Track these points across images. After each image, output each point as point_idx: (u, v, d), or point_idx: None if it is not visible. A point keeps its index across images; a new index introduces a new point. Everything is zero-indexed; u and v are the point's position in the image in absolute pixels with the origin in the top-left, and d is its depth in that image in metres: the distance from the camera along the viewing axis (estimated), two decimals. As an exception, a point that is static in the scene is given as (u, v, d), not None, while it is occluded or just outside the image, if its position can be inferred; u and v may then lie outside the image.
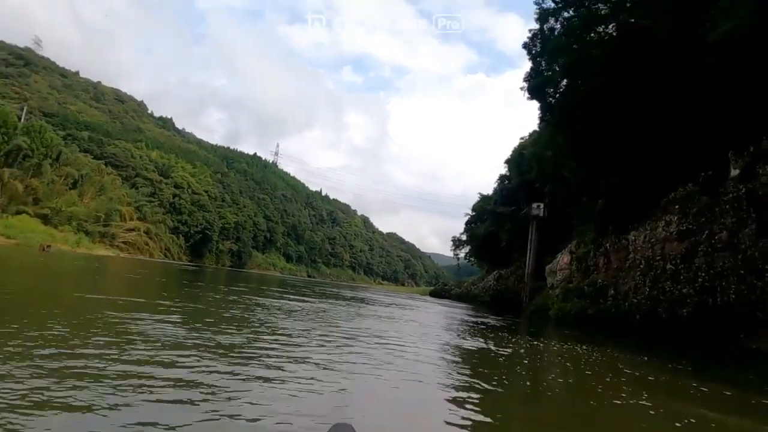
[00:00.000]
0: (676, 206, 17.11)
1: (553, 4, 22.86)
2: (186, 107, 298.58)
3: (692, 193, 16.55)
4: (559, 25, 23.09)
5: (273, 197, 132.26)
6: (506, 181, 50.97)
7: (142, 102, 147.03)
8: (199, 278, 29.63)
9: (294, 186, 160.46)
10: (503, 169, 52.70)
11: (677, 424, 5.11)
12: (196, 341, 6.49)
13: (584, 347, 12.58)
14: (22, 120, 62.56)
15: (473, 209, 57.94)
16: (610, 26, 21.50)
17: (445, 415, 4.58)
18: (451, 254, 65.27)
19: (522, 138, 48.67)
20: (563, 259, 26.75)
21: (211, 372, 4.86)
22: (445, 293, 64.06)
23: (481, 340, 12.32)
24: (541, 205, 37.04)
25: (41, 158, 55.82)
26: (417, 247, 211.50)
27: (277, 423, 3.62)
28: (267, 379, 4.91)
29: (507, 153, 52.70)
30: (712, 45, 15.50)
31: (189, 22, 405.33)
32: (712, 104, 16.45)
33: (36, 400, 3.34)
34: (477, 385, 6.23)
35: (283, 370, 5.47)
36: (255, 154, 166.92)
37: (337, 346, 8.00)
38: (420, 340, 10.50)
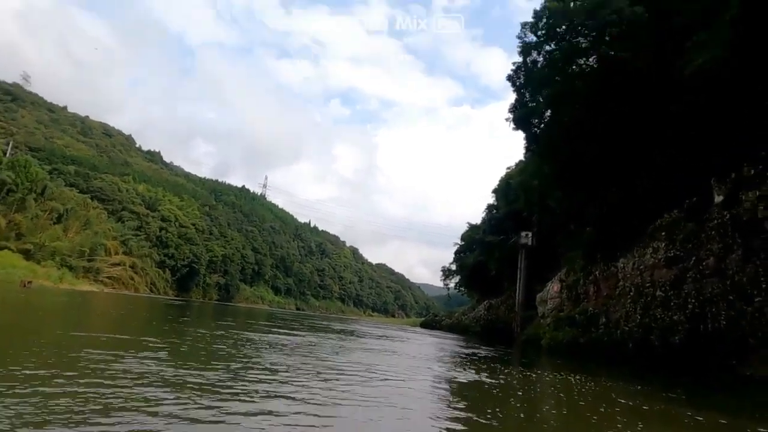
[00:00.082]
0: (663, 233, 17.29)
1: (535, 38, 23.53)
2: (174, 141, 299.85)
3: (678, 219, 16.76)
4: (541, 58, 23.72)
5: (261, 229, 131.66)
6: (494, 211, 51.35)
7: (130, 136, 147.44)
8: (186, 313, 29.05)
9: (282, 218, 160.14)
10: (491, 199, 53.28)
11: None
12: (183, 378, 6.29)
13: (577, 377, 12.42)
14: (7, 154, 62.25)
15: (462, 238, 58.06)
16: (591, 59, 22.14)
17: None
18: (441, 284, 65.04)
19: (508, 168, 49.41)
20: (553, 287, 26.74)
21: (197, 409, 4.70)
22: (436, 324, 63.50)
23: (474, 371, 12.12)
24: (530, 234, 37.22)
25: (25, 193, 55.26)
26: (407, 277, 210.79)
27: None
28: (255, 416, 4.75)
29: (494, 183, 53.28)
30: (689, 77, 16.01)
31: (178, 57, 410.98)
32: (692, 133, 16.88)
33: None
34: (471, 419, 6.08)
35: (271, 407, 5.31)
36: (243, 186, 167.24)
37: (327, 381, 7.80)
38: (412, 373, 10.29)
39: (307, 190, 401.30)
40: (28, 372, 5.40)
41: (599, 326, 20.37)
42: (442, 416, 6.18)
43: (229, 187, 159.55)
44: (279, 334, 17.63)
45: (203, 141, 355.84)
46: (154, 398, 4.93)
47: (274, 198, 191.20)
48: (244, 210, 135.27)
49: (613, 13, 19.54)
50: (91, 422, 3.88)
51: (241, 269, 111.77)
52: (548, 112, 24.63)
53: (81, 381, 5.36)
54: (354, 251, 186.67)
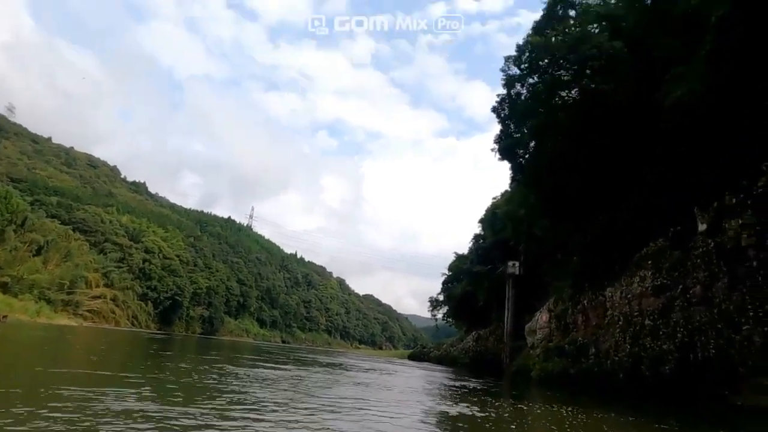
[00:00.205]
0: (650, 261, 17.40)
1: (518, 71, 24.12)
2: (161, 173, 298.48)
3: (664, 248, 16.90)
4: (525, 90, 24.27)
5: (247, 261, 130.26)
6: (481, 240, 51.49)
7: (115, 167, 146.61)
8: (168, 347, 28.31)
9: (269, 249, 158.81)
10: (477, 229, 53.48)
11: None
12: (167, 415, 6.05)
13: (569, 409, 12.24)
14: (-12, 186, 61.21)
15: (449, 269, 57.96)
16: (573, 91, 22.71)
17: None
18: (428, 315, 64.58)
19: (494, 198, 49.90)
20: (542, 317, 26.65)
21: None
22: (424, 356, 62.82)
23: (464, 404, 11.90)
24: (517, 264, 37.27)
25: (5, 224, 54.26)
26: (394, 308, 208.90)
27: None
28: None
29: (480, 213, 53.68)
30: (668, 108, 16.47)
31: (167, 90, 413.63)
32: (673, 164, 17.24)
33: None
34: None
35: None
36: (229, 217, 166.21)
37: (315, 416, 7.58)
38: (401, 407, 10.06)
39: (295, 221, 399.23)
40: (2, 410, 5.15)
41: (589, 356, 20.24)
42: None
43: (215, 218, 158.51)
44: (265, 368, 17.22)
45: (190, 172, 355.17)
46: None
47: (261, 229, 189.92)
48: (229, 241, 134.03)
49: (593, 48, 20.16)
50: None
51: (226, 301, 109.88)
52: (532, 143, 25.05)
53: (61, 419, 5.14)
54: (341, 282, 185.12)
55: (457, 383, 20.76)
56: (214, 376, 12.42)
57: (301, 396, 9.95)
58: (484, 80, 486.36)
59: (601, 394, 17.63)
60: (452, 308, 57.24)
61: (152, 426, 5.39)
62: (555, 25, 23.66)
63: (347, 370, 21.76)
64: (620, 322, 18.58)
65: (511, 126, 25.82)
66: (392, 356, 79.58)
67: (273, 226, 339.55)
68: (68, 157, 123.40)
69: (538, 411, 12.41)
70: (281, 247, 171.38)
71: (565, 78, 22.65)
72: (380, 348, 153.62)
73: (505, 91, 25.12)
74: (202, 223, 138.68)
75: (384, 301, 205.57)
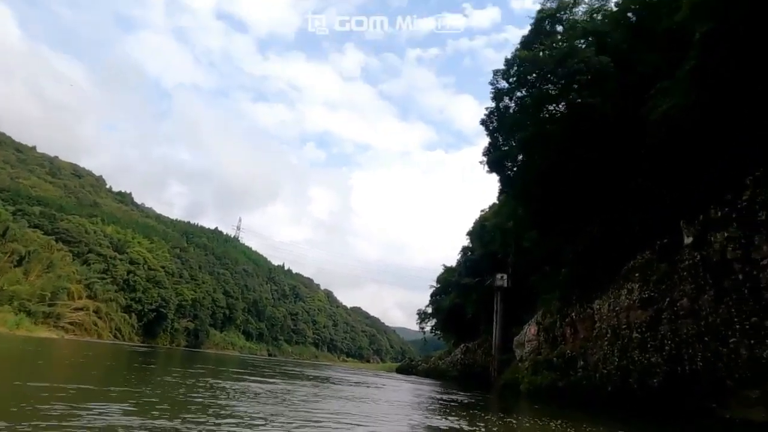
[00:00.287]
0: (637, 274, 17.52)
1: (507, 85, 24.38)
2: (147, 182, 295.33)
3: (651, 260, 17.03)
4: (513, 104, 24.52)
5: (234, 272, 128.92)
6: (469, 253, 51.57)
7: (100, 177, 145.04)
8: (152, 360, 27.78)
9: (256, 260, 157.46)
10: (466, 241, 53.57)
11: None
12: (152, 430, 5.89)
13: (558, 422, 12.16)
14: (-31, 195, 60.09)
15: (438, 281, 57.90)
16: (561, 105, 22.99)
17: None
18: (416, 328, 64.32)
19: (483, 210, 50.10)
20: (530, 330, 26.65)
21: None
22: (412, 369, 62.42)
23: (453, 418, 11.77)
24: (505, 276, 37.35)
25: (-15, 234, 53.16)
26: (382, 321, 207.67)
27: None
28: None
29: (468, 225, 53.84)
30: (653, 123, 16.74)
31: (154, 100, 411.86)
32: (659, 177, 17.48)
33: None
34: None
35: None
36: (216, 228, 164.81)
37: (303, 430, 7.43)
38: (389, 421, 9.93)
39: (282, 232, 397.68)
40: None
41: (578, 369, 20.23)
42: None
43: (202, 228, 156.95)
44: (251, 381, 16.93)
45: (177, 182, 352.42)
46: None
47: (248, 240, 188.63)
48: (216, 252, 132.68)
49: (580, 62, 20.45)
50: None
51: (212, 314, 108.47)
52: (521, 156, 25.24)
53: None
54: (328, 294, 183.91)
55: (445, 397, 20.59)
56: (200, 390, 12.17)
57: (288, 410, 9.76)
58: (472, 94, 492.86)
59: (590, 407, 17.59)
60: (440, 321, 57.08)
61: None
62: (543, 39, 24.03)
63: (335, 384, 21.50)
64: (608, 335, 18.63)
65: (500, 139, 26.02)
66: (380, 369, 78.97)
67: (260, 238, 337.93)
68: (53, 167, 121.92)
69: (527, 424, 12.32)
70: (269, 259, 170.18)
71: (553, 92, 22.94)
72: (368, 361, 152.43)
73: (493, 104, 25.37)
74: (188, 234, 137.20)
75: (372, 313, 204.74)
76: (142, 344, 71.68)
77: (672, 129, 16.14)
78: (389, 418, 10.78)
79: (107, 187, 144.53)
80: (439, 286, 57.52)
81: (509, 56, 24.31)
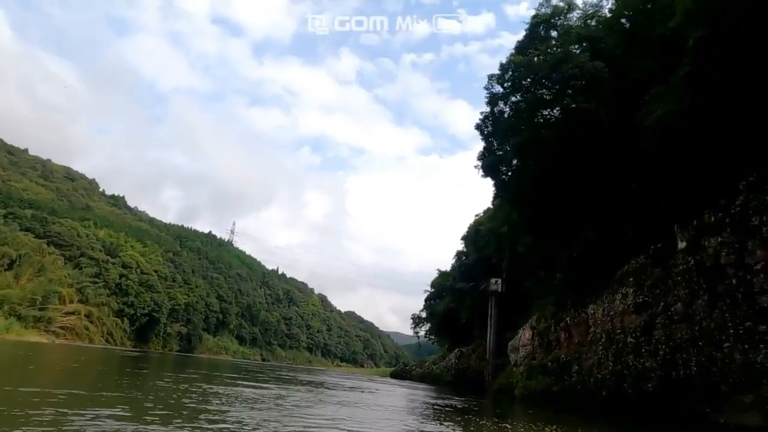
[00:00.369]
0: (631, 278, 17.53)
1: (501, 89, 24.42)
2: (141, 185, 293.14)
3: (645, 265, 17.05)
4: (508, 108, 24.55)
5: (227, 276, 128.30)
6: (464, 257, 51.57)
7: (93, 180, 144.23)
8: (144, 365, 27.53)
9: (250, 265, 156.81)
10: (460, 246, 53.56)
11: None
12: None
13: (553, 427, 12.14)
14: (-40, 198, 59.53)
15: (432, 285, 57.87)
16: (555, 110, 23.06)
17: None
18: (411, 332, 64.18)
19: (477, 215, 50.09)
20: (525, 334, 26.62)
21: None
22: (406, 374, 62.29)
23: (448, 423, 11.73)
24: (499, 281, 37.36)
25: (-25, 238, 52.65)
26: (376, 325, 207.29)
27: None
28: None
29: (463, 230, 53.88)
30: (647, 129, 16.82)
31: (149, 103, 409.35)
32: (653, 182, 17.56)
33: None
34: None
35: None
36: (210, 232, 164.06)
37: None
38: (384, 427, 9.86)
39: (277, 237, 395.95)
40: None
41: (572, 374, 20.21)
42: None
43: (195, 232, 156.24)
44: (245, 386, 16.80)
45: (171, 186, 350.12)
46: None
47: (242, 244, 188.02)
48: (210, 256, 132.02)
49: (575, 68, 20.54)
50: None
51: (205, 318, 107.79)
52: (515, 161, 25.27)
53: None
54: (323, 299, 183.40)
55: (440, 402, 20.53)
56: (193, 395, 12.05)
57: (283, 415, 9.67)
58: (466, 99, 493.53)
59: (584, 412, 17.58)
60: (435, 325, 57.00)
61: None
62: (537, 45, 24.12)
63: (329, 389, 21.39)
64: (603, 340, 18.63)
65: (495, 143, 26.05)
66: (374, 374, 78.74)
67: (254, 242, 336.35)
68: (45, 170, 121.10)
69: (522, 429, 12.27)
70: (263, 263, 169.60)
71: (547, 97, 23.00)
72: (362, 366, 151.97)
73: (488, 109, 25.39)
74: (182, 238, 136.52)
75: (366, 318, 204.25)
76: (134, 349, 71.10)
77: (666, 134, 16.22)
78: (385, 423, 10.72)
79: (100, 190, 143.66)
80: (433, 290, 57.48)
81: (504, 61, 24.38)
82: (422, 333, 61.20)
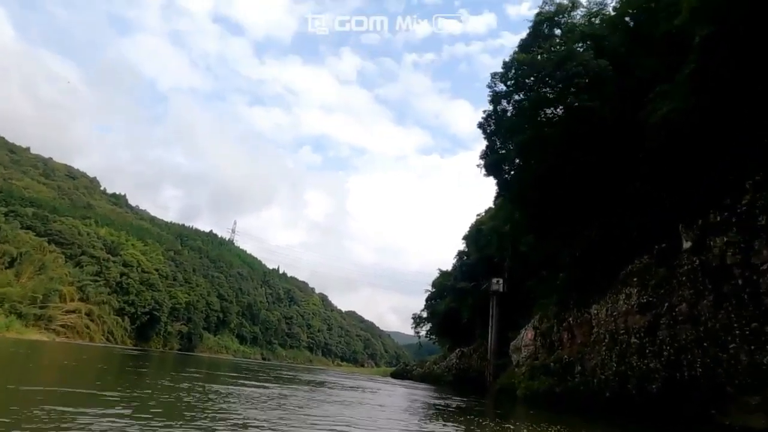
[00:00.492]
0: (635, 278, 17.40)
1: (504, 88, 24.27)
2: (142, 184, 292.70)
3: (649, 265, 16.92)
4: (510, 107, 24.40)
5: (228, 275, 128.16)
6: (465, 257, 51.43)
7: (94, 178, 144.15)
8: (145, 364, 27.47)
9: (250, 264, 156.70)
10: (461, 245, 53.42)
11: None
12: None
13: (556, 428, 12.02)
14: (-39, 196, 59.54)
15: (433, 285, 57.69)
16: (559, 108, 22.92)
17: None
18: (411, 332, 63.93)
19: (479, 214, 49.96)
20: (527, 334, 26.50)
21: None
22: (407, 374, 62.18)
23: (449, 423, 11.63)
24: (501, 280, 37.24)
25: (-24, 235, 52.63)
26: (377, 325, 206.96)
27: None
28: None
29: (464, 229, 53.68)
30: (652, 127, 16.70)
31: (150, 102, 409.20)
32: (658, 181, 17.43)
33: None
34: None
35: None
36: (211, 231, 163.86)
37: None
38: (386, 426, 9.78)
39: (278, 236, 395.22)
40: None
41: (575, 375, 20.07)
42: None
43: (197, 231, 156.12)
44: (246, 386, 16.73)
45: (172, 185, 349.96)
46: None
47: (243, 243, 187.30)
48: (211, 255, 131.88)
49: (579, 66, 20.39)
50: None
51: (206, 317, 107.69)
52: (518, 159, 25.13)
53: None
54: (323, 298, 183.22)
55: (441, 402, 20.44)
56: (195, 394, 11.97)
57: (285, 414, 9.58)
58: (467, 99, 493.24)
59: (587, 413, 17.45)
60: (436, 325, 56.83)
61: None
62: (541, 43, 23.99)
63: (330, 389, 21.31)
64: (606, 340, 18.50)
65: (497, 142, 25.92)
66: (374, 374, 78.64)
67: (255, 241, 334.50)
68: (46, 168, 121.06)
69: (525, 430, 12.17)
70: (263, 262, 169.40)
71: (551, 95, 22.87)
72: (362, 365, 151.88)
73: (491, 107, 25.25)
74: (182, 237, 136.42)
75: (366, 317, 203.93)
76: (134, 347, 71.04)
77: (671, 132, 16.09)
78: (386, 422, 10.63)
79: (101, 189, 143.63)
80: (434, 290, 57.31)
81: (507, 59, 24.27)
82: (423, 333, 61.06)
